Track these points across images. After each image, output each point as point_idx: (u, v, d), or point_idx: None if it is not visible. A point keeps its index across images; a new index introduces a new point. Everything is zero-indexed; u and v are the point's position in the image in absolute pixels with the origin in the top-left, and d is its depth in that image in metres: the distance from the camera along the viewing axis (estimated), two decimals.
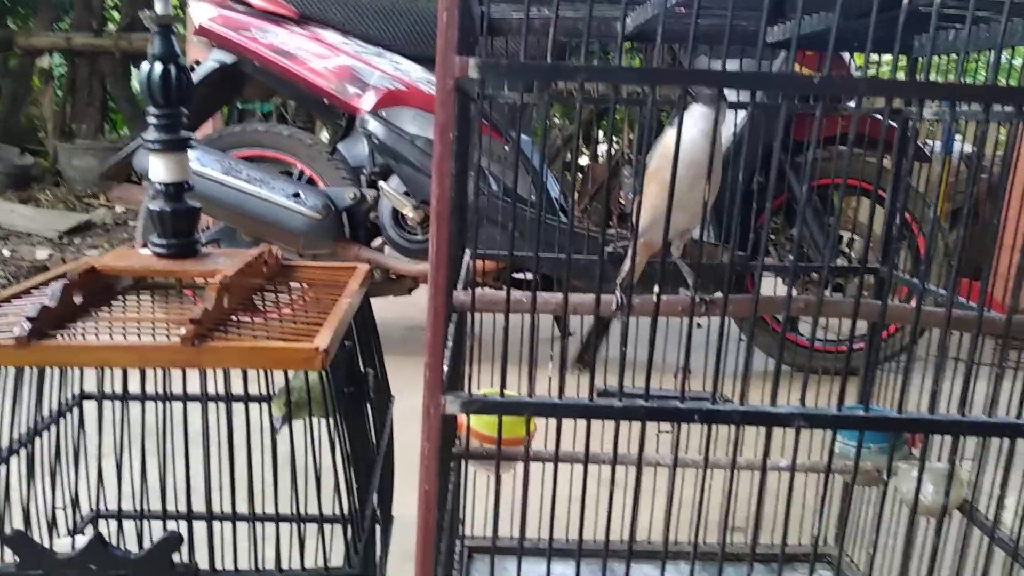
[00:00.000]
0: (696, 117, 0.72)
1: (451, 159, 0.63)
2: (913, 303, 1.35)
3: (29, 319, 0.67)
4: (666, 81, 0.59)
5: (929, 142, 2.32)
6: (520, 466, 1.11)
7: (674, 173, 0.59)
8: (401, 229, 2.38)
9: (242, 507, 0.74)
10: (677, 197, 0.60)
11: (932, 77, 1.16)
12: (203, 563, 0.69)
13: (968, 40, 0.77)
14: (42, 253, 3.47)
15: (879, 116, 1.85)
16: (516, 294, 0.76)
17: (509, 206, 2.19)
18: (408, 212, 2.29)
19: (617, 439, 0.68)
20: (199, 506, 0.72)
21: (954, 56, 0.95)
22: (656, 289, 0.65)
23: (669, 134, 0.80)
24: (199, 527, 0.71)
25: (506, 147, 2.31)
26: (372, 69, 2.38)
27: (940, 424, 0.64)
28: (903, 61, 1.12)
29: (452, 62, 0.60)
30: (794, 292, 0.71)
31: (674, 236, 0.87)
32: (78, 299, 0.77)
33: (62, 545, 0.71)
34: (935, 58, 1.04)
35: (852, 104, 1.21)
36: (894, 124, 1.14)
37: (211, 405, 0.73)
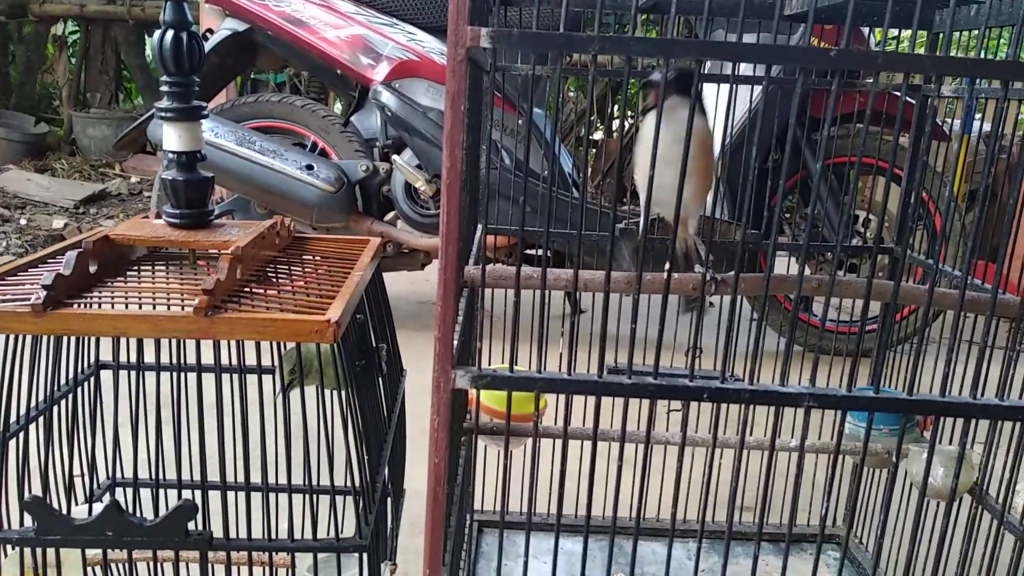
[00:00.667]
0: (666, 107, 0.73)
1: (462, 130, 0.62)
2: (927, 284, 1.34)
3: (44, 287, 0.68)
4: (682, 54, 0.58)
5: (948, 120, 2.29)
6: (528, 442, 1.11)
7: (655, 154, 0.59)
8: (414, 203, 2.37)
9: (255, 478, 0.75)
10: (657, 182, 0.60)
11: (953, 54, 1.14)
12: (217, 532, 0.70)
13: (989, 15, 0.75)
14: (58, 222, 3.50)
15: (897, 93, 1.83)
16: (527, 270, 0.76)
17: (519, 180, 2.18)
18: (421, 185, 2.29)
19: (626, 416, 0.68)
20: (213, 476, 0.73)
21: (975, 32, 0.93)
22: (667, 266, 0.65)
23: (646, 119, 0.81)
24: (213, 497, 0.72)
25: (519, 120, 2.29)
26: (385, 39, 2.36)
27: (951, 406, 0.63)
28: (922, 37, 1.10)
29: (463, 31, 0.60)
30: (807, 271, 0.71)
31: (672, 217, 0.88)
32: (93, 268, 0.77)
33: (79, 511, 0.73)
34: (956, 34, 1.02)
35: (870, 80, 1.19)
36: (911, 101, 1.12)
37: (225, 376, 0.74)
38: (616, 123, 4.03)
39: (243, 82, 4.21)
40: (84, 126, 4.76)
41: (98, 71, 5.05)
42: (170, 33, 0.79)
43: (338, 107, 4.00)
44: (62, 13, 4.91)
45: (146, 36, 5.12)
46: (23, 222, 3.52)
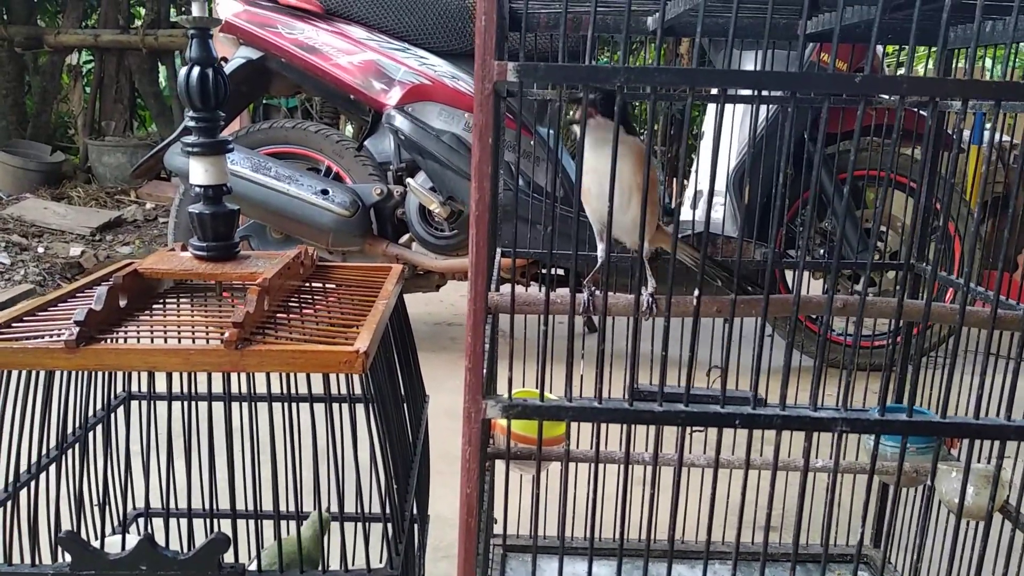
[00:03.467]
0: (590, 127, 0.76)
1: (490, 162, 0.63)
2: (948, 300, 1.32)
3: (77, 323, 0.69)
4: (706, 83, 0.59)
5: (958, 130, 2.28)
6: (552, 465, 1.11)
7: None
8: (428, 225, 2.38)
9: (280, 506, 0.75)
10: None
11: (960, 66, 1.14)
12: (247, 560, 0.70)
13: (1014, 32, 0.75)
14: (75, 250, 3.53)
15: (913, 109, 1.83)
16: (551, 295, 0.76)
17: (536, 202, 2.18)
18: (435, 208, 2.30)
19: (660, 440, 0.68)
20: (242, 505, 0.73)
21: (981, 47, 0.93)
22: (697, 292, 0.65)
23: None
24: (241, 524, 0.72)
25: (532, 142, 2.30)
26: (398, 64, 2.38)
27: (986, 429, 0.63)
28: (922, 51, 1.11)
29: (491, 66, 0.60)
30: (823, 288, 0.70)
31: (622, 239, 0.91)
32: (123, 302, 0.78)
33: (112, 544, 0.73)
34: (965, 48, 1.02)
35: (885, 96, 1.19)
36: (924, 115, 1.12)
37: (254, 405, 0.74)
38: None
39: (255, 108, 4.26)
40: (99, 154, 4.82)
41: (113, 100, 5.12)
42: (196, 70, 0.80)
43: (349, 131, 4.04)
44: (77, 43, 4.99)
45: (160, 64, 5.19)
46: (40, 250, 3.55)
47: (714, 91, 1.32)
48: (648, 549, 0.69)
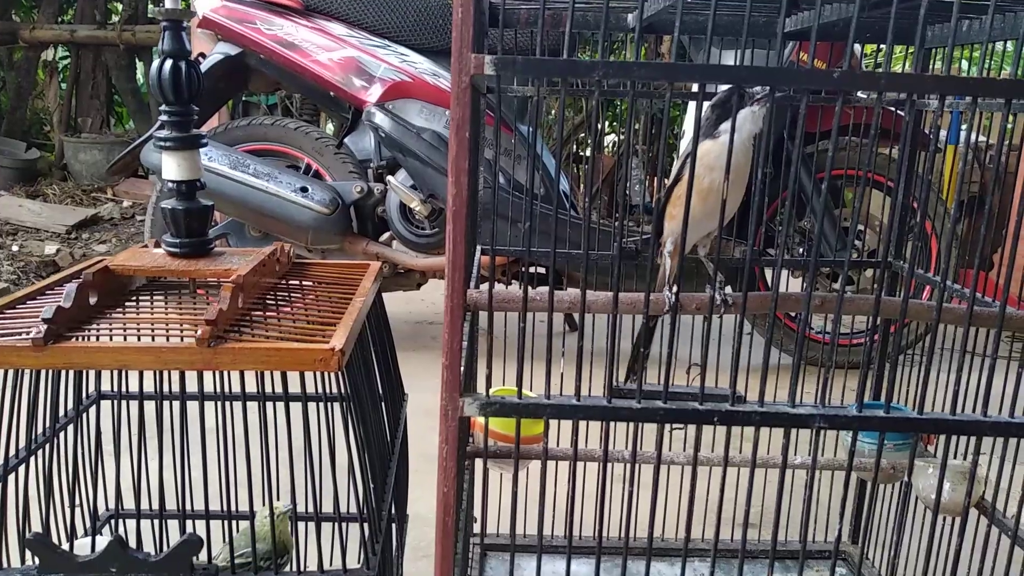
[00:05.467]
0: (740, 122, 0.73)
1: (467, 157, 0.62)
2: (925, 297, 1.34)
3: (45, 320, 0.67)
4: (686, 78, 0.59)
5: (933, 130, 2.30)
6: (532, 464, 1.11)
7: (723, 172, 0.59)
8: (409, 223, 2.37)
9: (255, 506, 0.74)
10: (714, 206, 0.60)
11: (936, 67, 1.15)
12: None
13: (990, 31, 0.75)
14: (50, 248, 3.48)
15: (891, 108, 1.84)
16: (531, 293, 0.76)
17: (515, 200, 2.18)
18: (416, 206, 2.28)
19: (639, 437, 0.67)
20: (215, 505, 0.72)
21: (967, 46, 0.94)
22: (675, 288, 0.64)
23: (706, 145, 0.80)
24: (215, 525, 0.71)
25: (512, 140, 2.30)
26: (378, 61, 2.37)
27: (963, 425, 0.63)
28: (899, 50, 1.11)
29: (468, 59, 0.60)
30: (803, 286, 0.70)
31: (702, 239, 0.89)
32: (93, 299, 0.76)
33: (82, 547, 0.71)
34: (942, 48, 1.03)
35: (862, 95, 1.20)
36: (902, 114, 1.13)
37: (228, 404, 0.73)
38: (608, 139, 4.04)
39: (234, 104, 4.21)
40: (76, 151, 4.75)
41: (89, 96, 5.05)
42: (169, 62, 0.79)
43: (330, 128, 4.01)
44: (52, 39, 4.92)
45: (137, 61, 5.13)
46: (15, 248, 3.50)
47: (694, 88, 1.33)
48: (627, 547, 0.69)
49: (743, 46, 0.60)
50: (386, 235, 2.48)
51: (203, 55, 2.42)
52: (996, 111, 0.96)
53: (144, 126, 4.89)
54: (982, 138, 2.42)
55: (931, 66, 1.16)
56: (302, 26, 2.37)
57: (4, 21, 4.94)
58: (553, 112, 2.93)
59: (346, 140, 2.50)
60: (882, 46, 1.20)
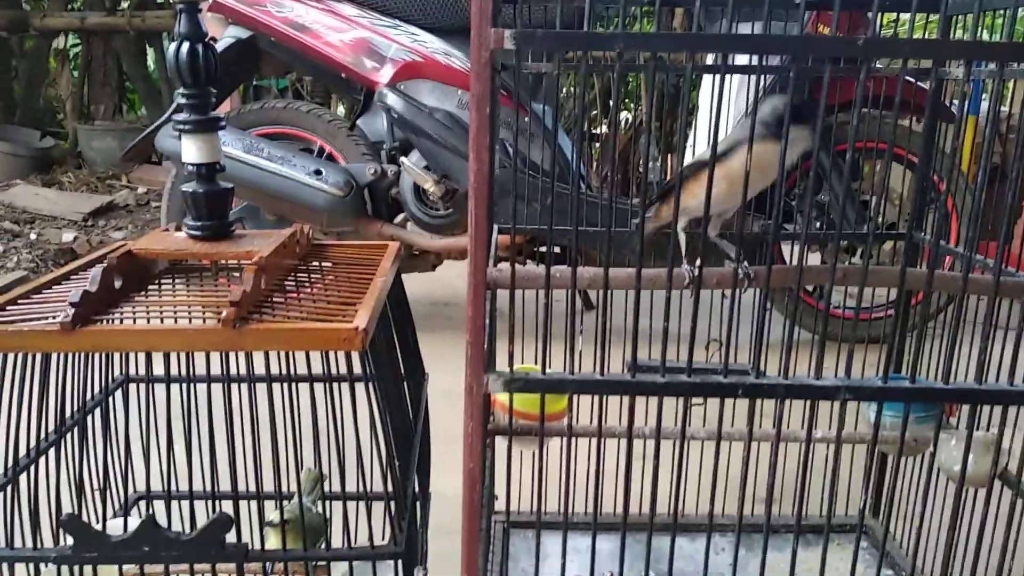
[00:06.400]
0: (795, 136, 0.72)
1: (488, 134, 0.62)
2: (946, 269, 1.33)
3: (72, 304, 0.68)
4: (709, 48, 0.58)
5: (955, 102, 2.27)
6: (551, 441, 1.11)
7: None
8: (423, 204, 2.37)
9: (280, 486, 0.75)
10: (738, 194, 0.59)
11: (959, 34, 1.13)
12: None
13: None
14: (68, 236, 3.50)
15: (909, 79, 1.81)
16: (552, 270, 0.75)
17: (529, 178, 2.17)
18: (429, 187, 2.28)
19: (661, 413, 0.68)
20: (243, 486, 0.73)
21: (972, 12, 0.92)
22: (698, 262, 0.64)
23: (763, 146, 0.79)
24: (244, 506, 0.72)
25: (527, 118, 2.28)
26: (389, 41, 2.36)
27: (988, 394, 0.63)
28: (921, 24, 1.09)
29: (487, 34, 0.59)
30: (817, 260, 0.70)
31: (716, 219, 0.89)
32: (117, 283, 0.77)
33: (114, 527, 0.73)
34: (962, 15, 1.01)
35: (879, 64, 1.18)
36: (923, 86, 1.11)
37: (253, 385, 0.74)
38: (620, 116, 4.01)
39: (245, 89, 4.21)
40: (89, 138, 4.77)
41: (101, 83, 5.06)
42: (186, 45, 0.79)
43: (341, 110, 4.00)
44: (63, 26, 4.92)
45: (148, 47, 5.13)
46: (33, 237, 3.53)
47: (709, 60, 1.31)
48: (651, 523, 0.69)
49: (766, 16, 0.60)
50: (400, 216, 2.48)
51: (214, 39, 2.42)
52: (1020, 77, 0.94)
53: (156, 112, 4.89)
54: (1003, 109, 2.39)
55: (952, 35, 1.14)
56: (313, 8, 2.36)
57: (14, 10, 4.95)
58: (565, 90, 2.91)
59: (358, 122, 2.49)
60: (901, 15, 1.18)
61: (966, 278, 0.64)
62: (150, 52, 5.21)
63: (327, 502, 0.81)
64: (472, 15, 0.58)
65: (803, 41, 0.58)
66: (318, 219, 2.30)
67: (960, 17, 1.03)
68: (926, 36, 1.17)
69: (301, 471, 0.72)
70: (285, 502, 0.77)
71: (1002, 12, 0.90)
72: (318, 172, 2.26)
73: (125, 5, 5.03)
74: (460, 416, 0.66)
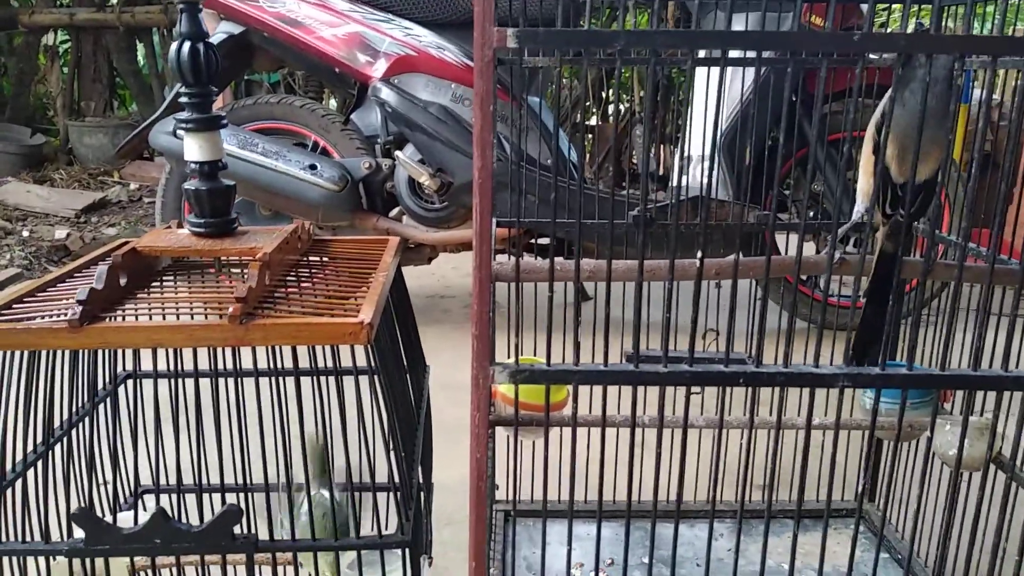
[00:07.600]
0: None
1: (492, 130, 0.63)
2: (940, 258, 1.34)
3: (80, 302, 0.68)
4: (708, 44, 0.59)
5: None
6: (552, 431, 1.12)
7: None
8: (418, 198, 2.37)
9: (284, 478, 0.76)
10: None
11: (948, 27, 1.14)
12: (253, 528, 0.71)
13: None
14: (60, 232, 3.49)
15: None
16: (544, 262, 0.76)
17: (523, 171, 2.17)
18: (424, 180, 2.28)
19: (663, 402, 0.69)
20: (251, 478, 0.74)
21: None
22: (699, 254, 0.65)
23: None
24: (252, 498, 0.73)
25: (521, 112, 2.29)
26: (382, 36, 2.36)
27: (984, 380, 0.64)
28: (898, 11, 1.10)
29: (491, 33, 0.60)
30: (815, 249, 0.71)
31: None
32: (123, 280, 0.78)
33: (124, 519, 0.73)
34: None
35: (873, 56, 1.19)
36: None
37: (258, 380, 0.75)
38: (612, 108, 4.02)
39: (237, 84, 4.20)
40: (80, 135, 4.75)
41: (91, 79, 5.04)
42: (187, 44, 0.79)
43: (334, 104, 3.99)
44: (52, 23, 4.89)
45: (138, 42, 5.10)
46: (25, 234, 3.52)
47: (702, 53, 1.32)
48: (655, 510, 0.70)
49: (763, 8, 0.60)
50: (395, 210, 2.48)
51: None
52: (1011, 68, 0.96)
53: (147, 108, 4.87)
54: (994, 97, 2.40)
55: (944, 25, 1.16)
56: (305, 2, 2.36)
57: (2, 7, 4.92)
58: (556, 83, 2.91)
59: (352, 116, 2.49)
60: (892, 6, 1.20)
61: (961, 265, 0.65)
62: (140, 48, 5.19)
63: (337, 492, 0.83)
64: (475, 15, 0.58)
65: (800, 37, 0.59)
66: (313, 214, 2.30)
67: (951, 8, 1.04)
68: (919, 21, 1.18)
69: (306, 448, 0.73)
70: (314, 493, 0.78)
71: (993, 2, 0.91)
72: (313, 167, 2.26)
73: (114, 1, 5.00)
74: (458, 408, 0.68)
